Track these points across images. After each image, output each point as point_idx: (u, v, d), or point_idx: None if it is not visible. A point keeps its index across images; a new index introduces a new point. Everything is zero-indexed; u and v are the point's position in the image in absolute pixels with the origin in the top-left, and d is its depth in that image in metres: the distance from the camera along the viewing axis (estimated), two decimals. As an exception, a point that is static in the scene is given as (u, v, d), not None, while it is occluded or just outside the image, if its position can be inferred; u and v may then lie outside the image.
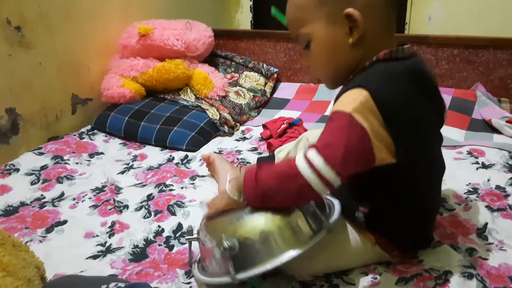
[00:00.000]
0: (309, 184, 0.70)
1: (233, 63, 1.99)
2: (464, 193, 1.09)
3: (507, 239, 0.92)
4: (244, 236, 0.73)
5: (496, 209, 1.02)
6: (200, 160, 1.36)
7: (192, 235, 0.84)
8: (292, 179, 0.72)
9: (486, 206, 1.03)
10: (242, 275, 0.72)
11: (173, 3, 2.12)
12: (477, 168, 1.22)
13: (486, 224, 0.96)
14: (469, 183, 1.14)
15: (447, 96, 1.67)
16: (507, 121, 1.47)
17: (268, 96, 1.88)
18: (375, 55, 0.78)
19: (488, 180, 1.15)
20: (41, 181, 1.24)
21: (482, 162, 1.25)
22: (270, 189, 0.74)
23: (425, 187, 0.84)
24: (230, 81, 1.90)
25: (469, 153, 1.31)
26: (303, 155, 0.72)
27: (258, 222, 0.75)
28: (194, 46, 1.79)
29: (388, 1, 0.78)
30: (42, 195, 1.19)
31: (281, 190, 0.73)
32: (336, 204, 0.83)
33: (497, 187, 1.12)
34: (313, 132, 1.18)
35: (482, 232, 0.95)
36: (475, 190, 1.11)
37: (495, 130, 1.48)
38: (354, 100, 0.72)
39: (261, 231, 0.74)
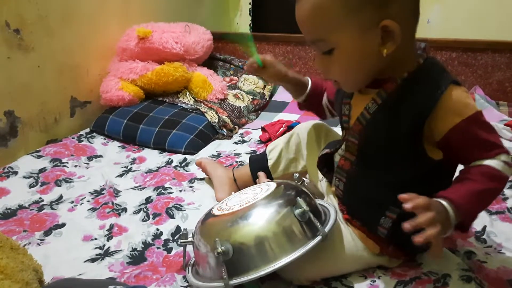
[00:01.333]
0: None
1: (232, 66, 1.99)
2: (463, 196, 1.09)
3: (505, 242, 0.92)
4: (239, 241, 0.73)
5: (495, 212, 1.03)
6: (199, 163, 1.36)
7: (187, 238, 0.84)
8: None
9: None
10: (236, 281, 0.71)
11: (172, 6, 2.12)
12: (475, 171, 1.22)
13: (484, 227, 0.97)
14: (468, 186, 1.14)
15: (445, 99, 1.67)
16: (505, 124, 1.47)
17: (267, 99, 1.88)
18: (402, 62, 0.77)
19: (487, 183, 1.15)
20: (39, 184, 1.24)
21: (481, 165, 1.24)
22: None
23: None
24: (229, 84, 1.90)
25: (468, 156, 1.31)
26: (502, 161, 0.73)
27: (253, 227, 0.74)
28: (193, 49, 1.79)
29: (417, 6, 0.77)
30: (40, 198, 1.18)
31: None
32: (332, 211, 0.83)
33: (496, 190, 1.12)
34: (303, 126, 1.12)
35: (480, 235, 0.95)
36: (473, 193, 1.10)
37: (493, 133, 1.48)
38: (467, 97, 0.75)
39: (256, 236, 0.73)
